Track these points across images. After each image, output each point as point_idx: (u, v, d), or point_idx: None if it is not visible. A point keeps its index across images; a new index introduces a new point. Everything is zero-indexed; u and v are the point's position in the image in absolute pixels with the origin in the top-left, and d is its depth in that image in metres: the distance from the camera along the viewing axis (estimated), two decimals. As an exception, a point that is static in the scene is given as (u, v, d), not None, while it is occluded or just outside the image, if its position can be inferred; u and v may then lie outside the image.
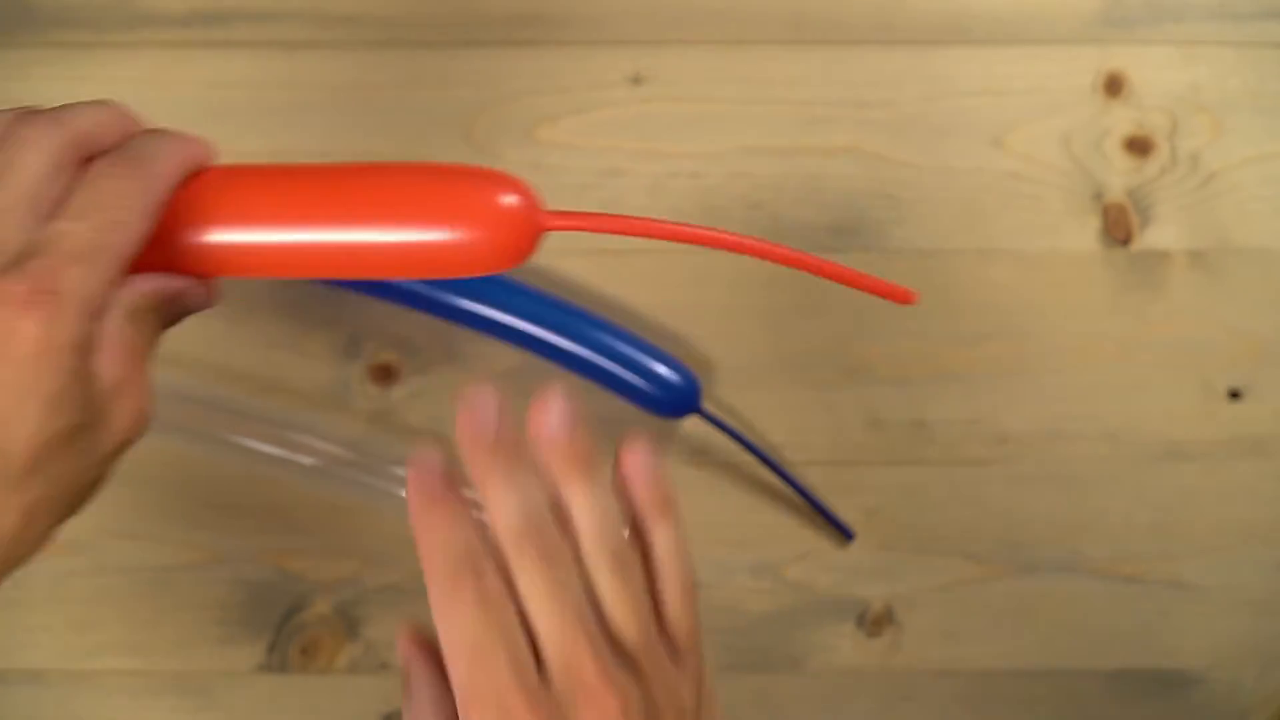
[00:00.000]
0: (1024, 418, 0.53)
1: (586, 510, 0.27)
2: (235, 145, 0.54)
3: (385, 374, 0.52)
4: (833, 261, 0.32)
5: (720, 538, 0.52)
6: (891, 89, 0.54)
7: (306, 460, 0.49)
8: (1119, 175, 0.54)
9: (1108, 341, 0.53)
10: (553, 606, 0.25)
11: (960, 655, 0.51)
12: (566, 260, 0.53)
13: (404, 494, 0.50)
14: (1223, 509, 0.52)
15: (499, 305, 0.49)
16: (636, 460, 0.29)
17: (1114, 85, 0.55)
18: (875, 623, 0.51)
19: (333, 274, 0.29)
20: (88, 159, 0.25)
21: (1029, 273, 0.53)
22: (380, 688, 0.50)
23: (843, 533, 0.51)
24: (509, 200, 0.28)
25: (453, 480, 0.28)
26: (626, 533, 0.28)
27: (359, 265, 0.28)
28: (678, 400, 0.50)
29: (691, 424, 0.51)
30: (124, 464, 0.52)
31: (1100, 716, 0.51)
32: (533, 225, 0.29)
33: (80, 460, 0.24)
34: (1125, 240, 0.54)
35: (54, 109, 0.26)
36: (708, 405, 0.51)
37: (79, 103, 0.26)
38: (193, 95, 0.54)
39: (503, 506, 0.27)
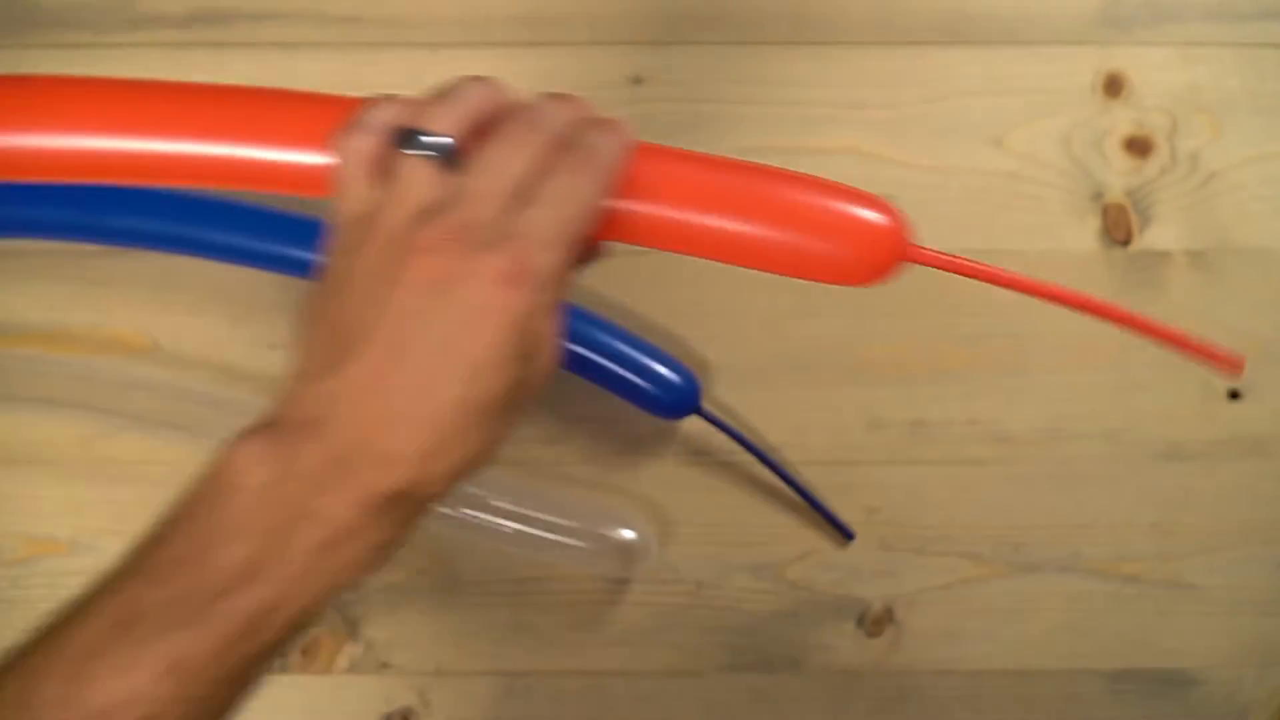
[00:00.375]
0: (1024, 418, 0.53)
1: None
2: (235, 145, 0.54)
3: (385, 374, 0.52)
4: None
5: (720, 538, 0.52)
6: (891, 89, 0.54)
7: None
8: (1119, 175, 0.54)
9: (1108, 341, 0.53)
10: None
11: (960, 655, 0.51)
12: (566, 260, 0.53)
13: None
14: (1223, 509, 0.52)
15: (499, 305, 0.49)
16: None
17: (1114, 85, 0.55)
18: (875, 623, 0.51)
19: (711, 255, 0.31)
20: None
21: (1029, 273, 0.53)
22: (380, 688, 0.50)
23: (843, 533, 0.51)
24: (883, 225, 0.32)
25: None
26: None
27: (738, 252, 0.31)
28: (678, 400, 0.50)
29: (691, 424, 0.51)
30: (123, 464, 0.52)
31: (1100, 716, 0.51)
32: (898, 254, 0.32)
33: (518, 400, 0.28)
34: (1125, 240, 0.54)
35: (536, 109, 0.29)
36: (708, 405, 0.51)
37: (551, 99, 0.30)
38: (193, 96, 0.54)
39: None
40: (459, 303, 0.26)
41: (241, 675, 0.26)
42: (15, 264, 0.53)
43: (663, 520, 0.52)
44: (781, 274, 0.32)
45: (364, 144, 0.28)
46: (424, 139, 0.27)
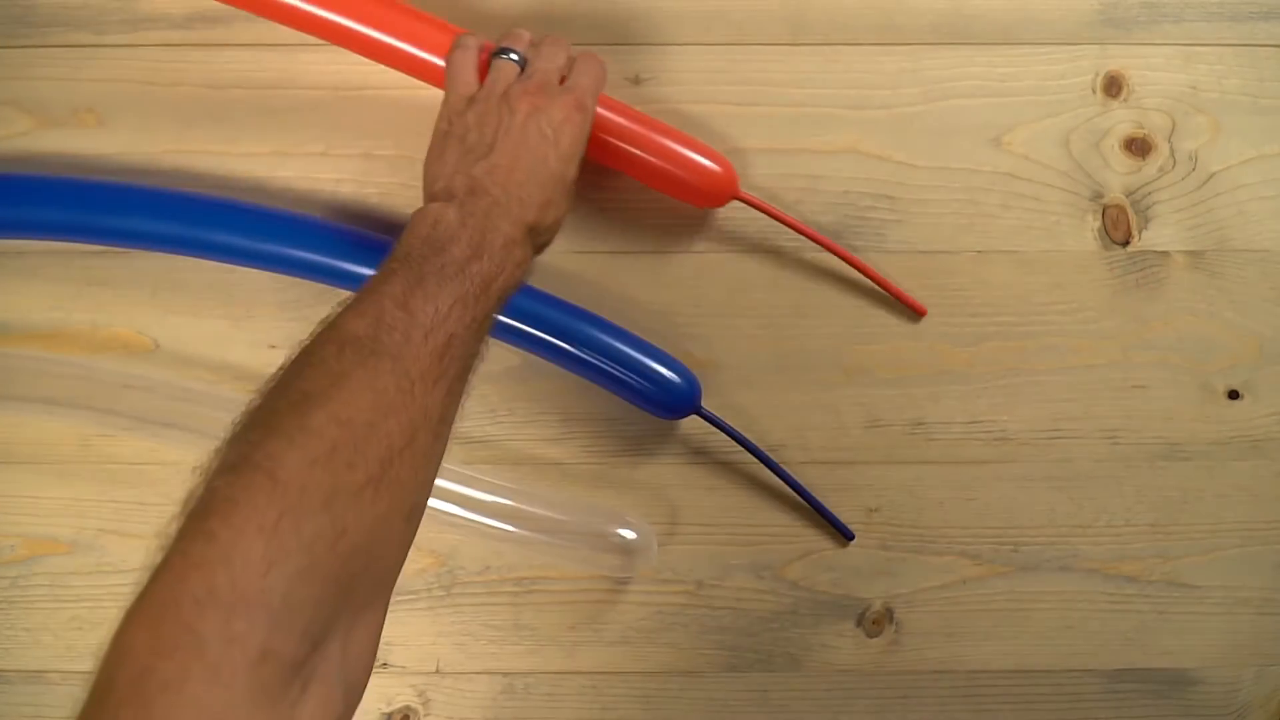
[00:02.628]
0: (1024, 418, 0.53)
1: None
2: (236, 146, 0.54)
3: (385, 374, 0.52)
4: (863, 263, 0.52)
5: (720, 538, 0.52)
6: (891, 89, 0.54)
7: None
8: (1118, 176, 0.54)
9: (1107, 341, 0.53)
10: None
11: (959, 655, 0.52)
12: (566, 260, 0.53)
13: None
14: (1222, 509, 0.52)
15: (499, 305, 0.49)
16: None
17: (1113, 86, 0.55)
18: (875, 622, 0.51)
19: (622, 167, 0.51)
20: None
21: (1029, 273, 0.53)
22: (380, 687, 0.50)
23: (843, 533, 0.51)
24: (718, 171, 0.50)
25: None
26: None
27: (635, 171, 0.51)
28: (677, 401, 0.50)
29: (691, 424, 0.51)
30: (123, 464, 0.52)
31: (1099, 716, 0.52)
32: (730, 192, 0.51)
33: (572, 183, 0.45)
34: (1124, 241, 0.54)
35: (558, 38, 0.48)
36: (708, 405, 0.51)
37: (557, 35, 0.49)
38: (193, 95, 0.54)
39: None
40: (551, 120, 0.45)
41: (483, 324, 0.40)
42: (15, 264, 0.53)
43: (663, 520, 0.52)
44: (657, 189, 0.51)
45: (472, 53, 0.47)
46: (509, 51, 0.47)
